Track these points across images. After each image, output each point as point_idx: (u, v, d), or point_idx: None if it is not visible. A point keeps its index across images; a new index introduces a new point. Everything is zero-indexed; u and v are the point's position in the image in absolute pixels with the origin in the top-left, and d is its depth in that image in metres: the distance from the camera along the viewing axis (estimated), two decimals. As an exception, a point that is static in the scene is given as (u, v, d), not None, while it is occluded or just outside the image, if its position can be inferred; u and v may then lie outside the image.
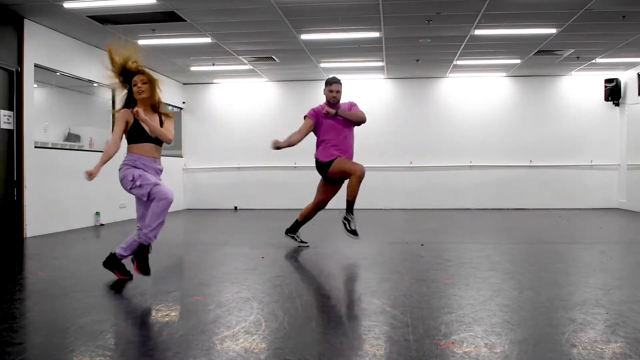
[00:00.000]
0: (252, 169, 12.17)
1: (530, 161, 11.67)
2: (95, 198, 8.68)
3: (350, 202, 5.73)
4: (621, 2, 6.66)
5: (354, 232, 5.75)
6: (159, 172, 4.36)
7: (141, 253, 4.20)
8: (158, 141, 4.29)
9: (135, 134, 4.21)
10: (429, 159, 11.80)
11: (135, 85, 4.24)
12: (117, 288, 4.30)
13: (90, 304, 3.64)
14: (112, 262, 4.41)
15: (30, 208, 7.25)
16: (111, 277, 4.85)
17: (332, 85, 5.83)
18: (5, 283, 4.37)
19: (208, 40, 8.42)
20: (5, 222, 6.97)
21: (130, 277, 4.37)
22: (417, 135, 11.60)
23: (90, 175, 4.02)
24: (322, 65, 10.40)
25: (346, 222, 5.76)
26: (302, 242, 6.13)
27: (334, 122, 5.81)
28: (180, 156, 12.30)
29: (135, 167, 4.21)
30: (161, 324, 3.24)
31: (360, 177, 5.60)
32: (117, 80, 4.32)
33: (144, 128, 4.18)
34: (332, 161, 5.78)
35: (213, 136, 12.26)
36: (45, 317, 3.38)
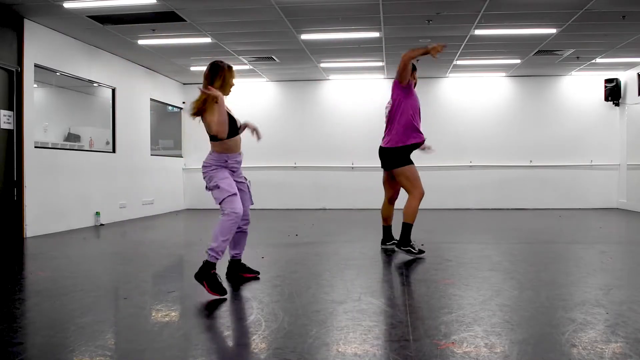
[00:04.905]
0: (253, 169, 12.13)
1: (530, 161, 11.67)
2: (95, 198, 8.69)
3: None
4: (621, 2, 6.66)
5: None
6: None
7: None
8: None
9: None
10: (429, 159, 11.70)
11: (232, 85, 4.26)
12: (117, 288, 4.30)
13: (90, 304, 3.64)
14: (204, 272, 3.80)
15: (30, 208, 7.25)
16: (111, 276, 4.86)
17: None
18: (5, 283, 4.37)
19: (208, 40, 8.42)
20: (5, 222, 6.97)
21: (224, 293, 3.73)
22: (417, 135, 11.53)
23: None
24: (322, 65, 10.39)
25: None
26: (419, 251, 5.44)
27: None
28: (180, 156, 12.26)
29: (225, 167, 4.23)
30: (161, 324, 3.24)
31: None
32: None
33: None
34: None
35: (213, 136, 12.23)
36: (45, 317, 3.38)
